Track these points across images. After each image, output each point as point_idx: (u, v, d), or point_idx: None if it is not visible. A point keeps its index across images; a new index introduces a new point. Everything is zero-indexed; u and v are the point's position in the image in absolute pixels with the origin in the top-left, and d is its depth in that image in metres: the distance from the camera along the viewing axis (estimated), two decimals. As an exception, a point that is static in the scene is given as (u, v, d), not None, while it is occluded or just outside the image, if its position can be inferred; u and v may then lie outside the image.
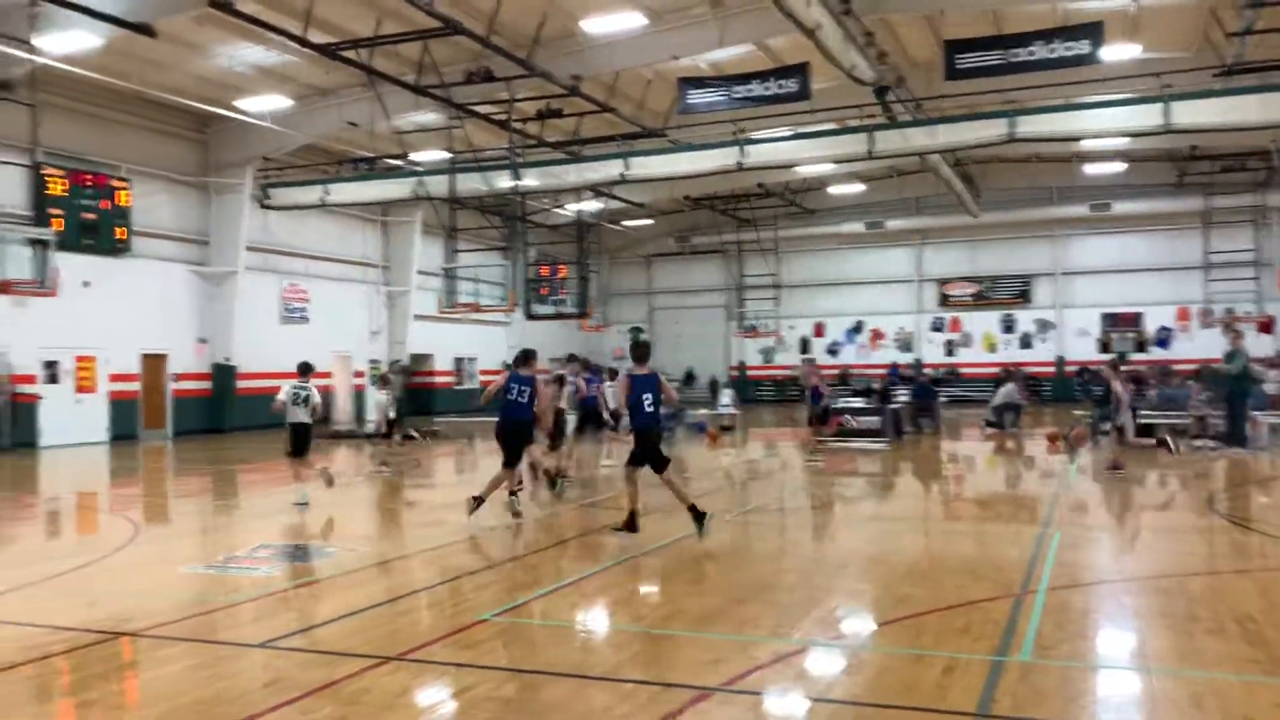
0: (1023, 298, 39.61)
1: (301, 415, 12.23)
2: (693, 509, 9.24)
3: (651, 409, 9.62)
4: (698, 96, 21.31)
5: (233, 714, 4.90)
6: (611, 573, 8.17)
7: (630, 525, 9.49)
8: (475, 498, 10.46)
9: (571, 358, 17.68)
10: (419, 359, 35.03)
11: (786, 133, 24.78)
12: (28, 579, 8.31)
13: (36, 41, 17.39)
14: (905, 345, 41.01)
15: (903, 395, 23.88)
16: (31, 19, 16.99)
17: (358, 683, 5.27)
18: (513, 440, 10.90)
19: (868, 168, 33.54)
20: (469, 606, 7.12)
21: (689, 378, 42.50)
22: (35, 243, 16.94)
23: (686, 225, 43.06)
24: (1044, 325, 39.36)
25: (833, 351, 41.33)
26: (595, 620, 6.77)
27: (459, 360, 37.79)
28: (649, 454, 9.66)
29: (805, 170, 31.46)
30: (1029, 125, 20.75)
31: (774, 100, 20.99)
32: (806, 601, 7.07)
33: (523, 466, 11.71)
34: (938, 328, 40.96)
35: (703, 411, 27.00)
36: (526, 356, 11.35)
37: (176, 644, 6.10)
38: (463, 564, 8.76)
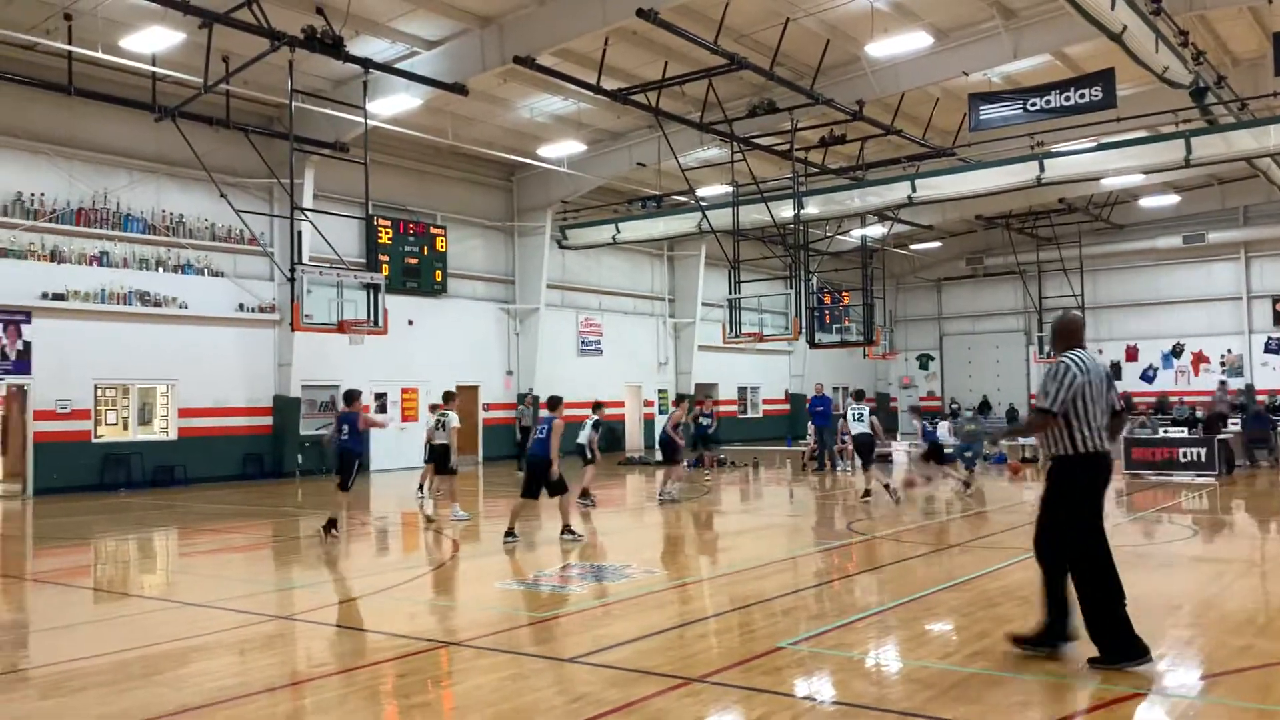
0: (1379, 313, 34.72)
1: (440, 438, 14.73)
2: None
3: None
4: (990, 111, 20.42)
5: (548, 723, 5.17)
6: (910, 607, 7.92)
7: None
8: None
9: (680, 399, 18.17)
10: (704, 389, 35.70)
11: (1090, 144, 23.23)
12: (365, 590, 9.22)
13: (368, 107, 19.45)
14: (1235, 370, 37.01)
15: (1233, 425, 21.57)
16: (365, 86, 19.03)
17: (659, 703, 5.41)
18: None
19: (1184, 176, 30.62)
20: (767, 633, 7.14)
21: (984, 406, 40.54)
22: (368, 286, 18.88)
23: (978, 246, 41.23)
24: None
25: (1147, 378, 38.05)
26: (896, 654, 6.58)
27: (742, 389, 38.17)
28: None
29: (1112, 183, 29.25)
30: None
31: (1075, 110, 19.72)
32: (1130, 646, 6.50)
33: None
34: (1273, 349, 36.66)
35: (1003, 443, 25.65)
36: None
37: (495, 655, 6.53)
38: (758, 590, 8.79)
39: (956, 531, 12.78)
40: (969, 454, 21.54)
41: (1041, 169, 22.19)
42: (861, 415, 16.54)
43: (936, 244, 39.64)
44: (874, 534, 12.31)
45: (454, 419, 15.18)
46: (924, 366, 44.94)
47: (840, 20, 19.96)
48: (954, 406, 39.33)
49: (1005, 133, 21.68)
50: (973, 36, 20.75)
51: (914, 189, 24.07)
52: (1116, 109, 19.33)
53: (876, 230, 32.30)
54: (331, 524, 12.32)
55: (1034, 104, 20.04)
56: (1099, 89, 19.22)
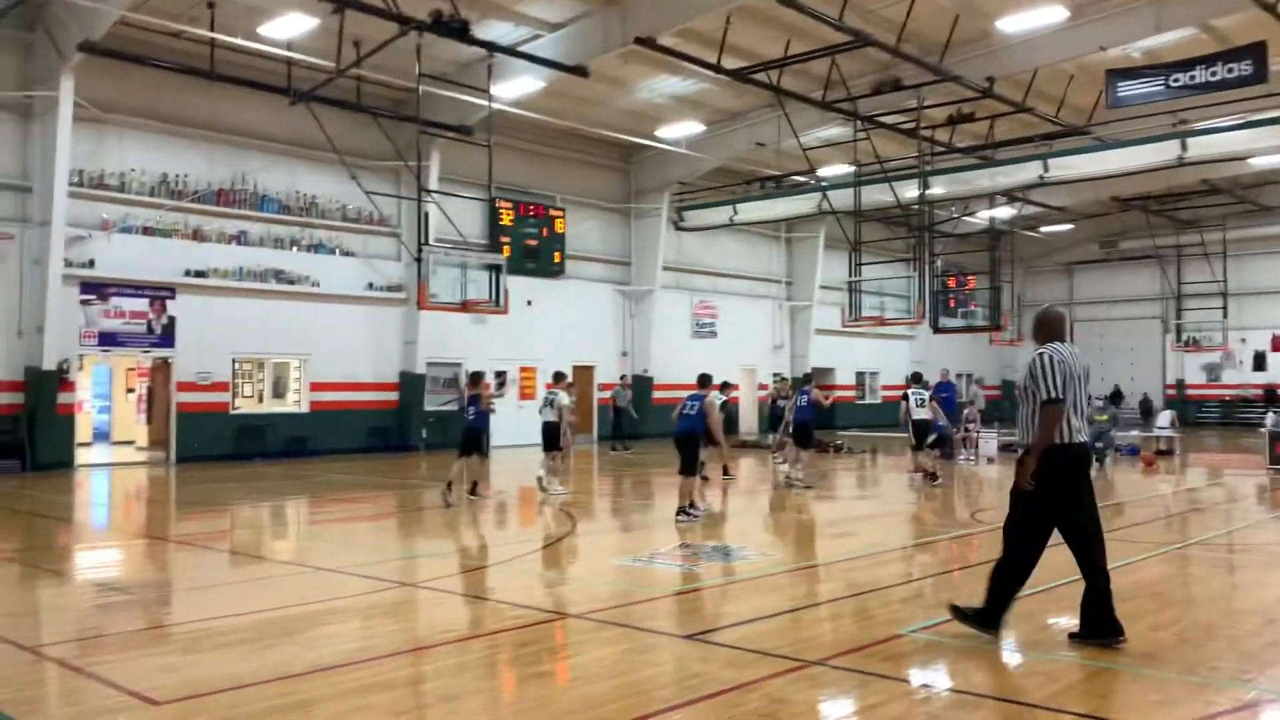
0: None
1: (549, 415, 15.31)
2: None
3: None
4: (1129, 88, 19.52)
5: (662, 699, 5.20)
6: (1037, 599, 7.66)
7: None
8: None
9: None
10: (820, 373, 35.27)
11: (1237, 121, 21.98)
12: (485, 561, 9.44)
13: (492, 90, 19.76)
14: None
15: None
16: (489, 69, 19.34)
17: (775, 684, 5.38)
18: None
19: (1342, 154, 28.77)
20: (887, 619, 7.02)
21: (1116, 396, 38.96)
22: (490, 267, 19.25)
23: (1113, 229, 39.54)
24: None
25: (1294, 368, 36.00)
26: (1023, 646, 6.39)
27: (860, 374, 37.55)
28: None
29: (1261, 162, 27.63)
30: None
31: (1221, 86, 18.71)
32: (1273, 646, 6.18)
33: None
34: None
35: (1135, 433, 24.65)
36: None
37: (612, 628, 6.61)
38: (876, 577, 8.66)
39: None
40: (1099, 445, 20.78)
41: (1184, 148, 21.13)
42: (923, 399, 16.86)
43: (1068, 226, 38.18)
44: (998, 524, 11.96)
45: (563, 398, 15.80)
46: (1052, 353, 43.38)
47: (971, -6, 19.34)
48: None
49: (1144, 110, 20.69)
50: (1112, 10, 19.83)
51: (1046, 169, 23.22)
52: (1267, 84, 18.25)
53: (1005, 211, 31.31)
54: (473, 488, 14.08)
55: (1177, 80, 19.08)
56: (1249, 63, 18.18)
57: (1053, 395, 5.99)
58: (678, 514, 11.78)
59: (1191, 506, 14.58)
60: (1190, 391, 39.23)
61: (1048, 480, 6.05)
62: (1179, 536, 11.36)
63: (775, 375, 29.99)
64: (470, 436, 14.00)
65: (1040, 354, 6.14)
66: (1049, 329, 6.38)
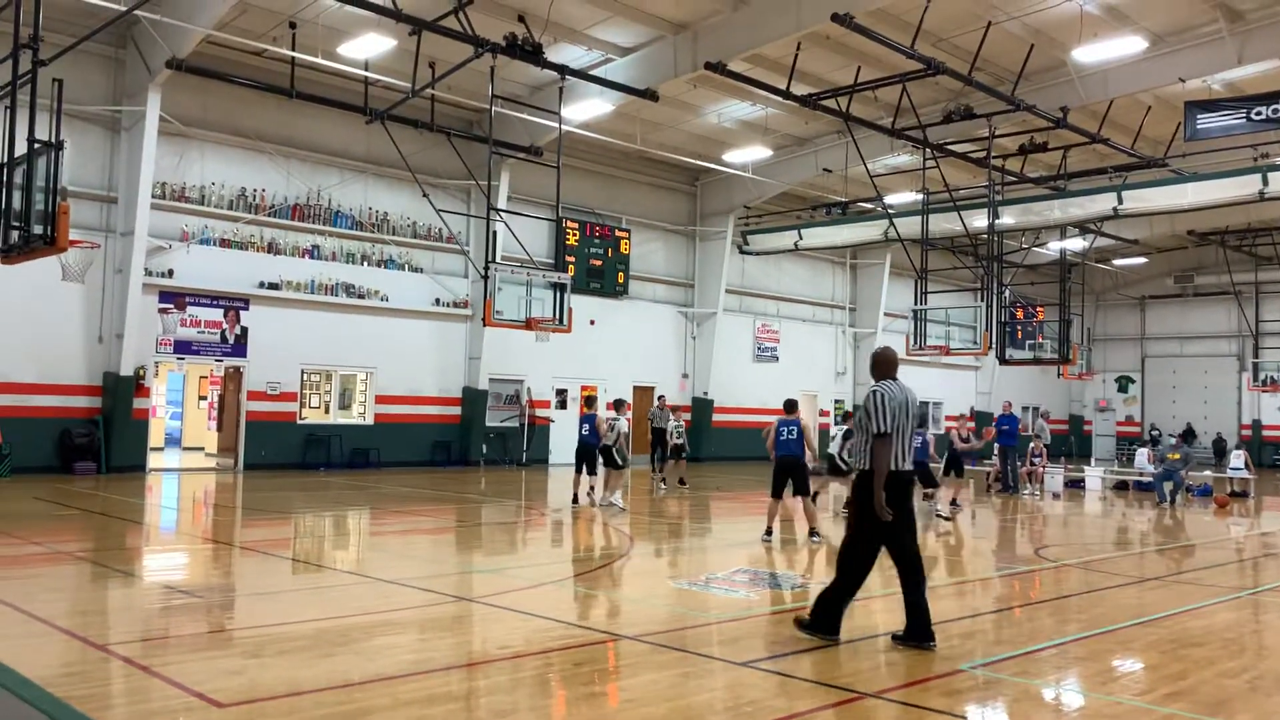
0: None
1: (608, 438, 15.95)
2: None
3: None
4: (1209, 121, 19.09)
5: (718, 724, 5.18)
6: (1101, 639, 7.50)
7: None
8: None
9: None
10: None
11: (1321, 155, 21.40)
12: (542, 579, 9.48)
13: (562, 112, 20.00)
14: None
15: None
16: (560, 92, 19.59)
17: (828, 715, 5.33)
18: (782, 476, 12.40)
19: None
20: (945, 654, 6.91)
21: (1188, 434, 37.90)
22: (554, 286, 19.42)
23: (1188, 264, 38.62)
24: None
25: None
26: (1083, 687, 6.25)
27: (923, 404, 37.06)
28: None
29: (1346, 198, 26.83)
30: None
31: (1306, 119, 18.22)
32: (1353, 702, 5.95)
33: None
34: None
35: (1208, 474, 23.99)
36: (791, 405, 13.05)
37: (667, 652, 6.60)
38: (937, 611, 8.44)
39: (1153, 565, 12.02)
40: (1169, 484, 20.27)
41: (1265, 182, 20.58)
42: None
43: (1142, 259, 37.39)
44: (1062, 561, 11.73)
45: (621, 424, 17.03)
46: (1123, 389, 42.48)
47: (1046, 24, 19.11)
48: (1154, 433, 36.98)
49: (1224, 143, 20.25)
50: (1192, 41, 19.48)
51: (1120, 200, 22.79)
52: (1356, 117, 17.73)
53: (1077, 243, 30.76)
54: (615, 500, 15.60)
55: (1259, 113, 18.63)
56: (1335, 96, 17.69)
57: (882, 430, 6.68)
58: (810, 534, 12.35)
59: (1265, 551, 14.12)
60: (1266, 433, 38.03)
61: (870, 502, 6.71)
62: (1252, 582, 11.01)
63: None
64: (586, 452, 16.00)
65: (874, 391, 6.82)
66: (882, 367, 7.08)
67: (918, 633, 6.76)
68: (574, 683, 6.01)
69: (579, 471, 16.07)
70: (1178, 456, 20.53)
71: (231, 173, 21.43)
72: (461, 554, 11.74)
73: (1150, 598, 9.55)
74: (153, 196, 19.65)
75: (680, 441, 20.38)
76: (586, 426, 16.09)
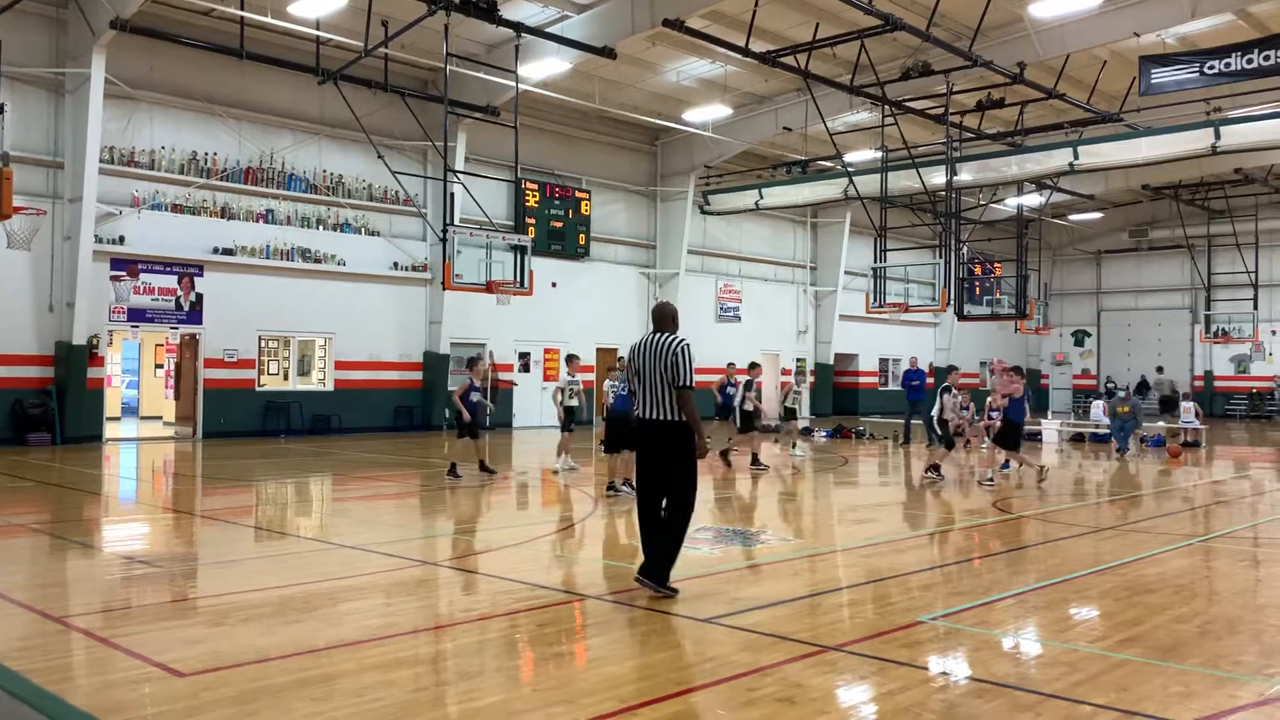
0: None
1: (571, 401, 15.53)
2: None
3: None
4: (1163, 75, 19.27)
5: (680, 680, 5.23)
6: (1058, 589, 7.65)
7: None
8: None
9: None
10: (843, 359, 35.20)
11: (1272, 109, 21.66)
12: (506, 541, 9.49)
13: (519, 70, 19.73)
14: None
15: None
16: (516, 50, 19.32)
17: (792, 669, 5.40)
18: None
19: (1381, 145, 28.27)
20: (905, 607, 7.02)
21: (1142, 386, 38.64)
22: (515, 248, 19.28)
23: (1143, 218, 39.15)
24: None
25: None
26: (1040, 635, 6.37)
27: (884, 361, 37.42)
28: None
29: (1295, 152, 27.26)
30: None
31: (1259, 74, 18.47)
32: (1299, 644, 6.13)
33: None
34: None
35: (1160, 425, 24.47)
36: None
37: (630, 610, 6.64)
38: (895, 564, 8.65)
39: (1108, 515, 12.27)
40: (1122, 434, 20.71)
41: (1217, 136, 20.85)
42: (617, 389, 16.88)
43: (1097, 215, 37.81)
44: (1019, 513, 11.93)
45: (577, 383, 16.09)
46: (1079, 343, 43.10)
47: (1003, -22, 19.11)
48: (1109, 386, 37.62)
49: (1178, 97, 20.45)
50: (1147, -6, 19.57)
51: (1076, 156, 23.00)
52: (1307, 71, 17.96)
53: (1033, 199, 31.02)
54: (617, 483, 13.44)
55: (1212, 67, 18.82)
56: (1287, 50, 17.89)
57: (690, 382, 6.97)
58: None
59: (1216, 499, 14.46)
60: (1218, 384, 38.83)
61: (684, 451, 7.06)
62: (1203, 529, 11.27)
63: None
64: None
65: (685, 345, 7.00)
66: (677, 320, 7.30)
67: (657, 574, 6.97)
68: (540, 643, 6.03)
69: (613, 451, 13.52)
70: (1127, 410, 20.96)
71: (182, 136, 20.97)
72: (425, 518, 11.71)
73: (1105, 547, 9.75)
74: (101, 161, 19.18)
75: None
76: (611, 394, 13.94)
